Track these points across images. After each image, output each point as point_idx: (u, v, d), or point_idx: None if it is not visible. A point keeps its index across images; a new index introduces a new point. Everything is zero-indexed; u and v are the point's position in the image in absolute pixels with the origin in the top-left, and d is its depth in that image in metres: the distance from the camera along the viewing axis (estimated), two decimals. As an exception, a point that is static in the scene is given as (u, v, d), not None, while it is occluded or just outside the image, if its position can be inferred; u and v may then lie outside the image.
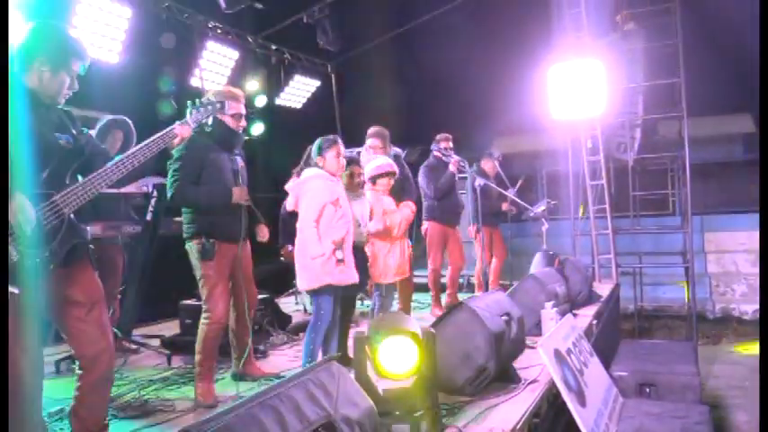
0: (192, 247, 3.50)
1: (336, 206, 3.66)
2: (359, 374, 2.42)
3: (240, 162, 3.67)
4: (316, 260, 3.58)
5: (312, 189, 3.68)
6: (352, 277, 3.74)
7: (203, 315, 3.52)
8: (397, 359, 2.39)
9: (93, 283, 2.56)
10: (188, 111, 3.04)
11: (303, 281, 3.69)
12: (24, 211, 2.20)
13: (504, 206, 6.38)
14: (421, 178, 5.81)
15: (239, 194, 3.51)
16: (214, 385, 3.55)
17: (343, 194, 3.81)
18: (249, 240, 3.74)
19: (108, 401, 2.71)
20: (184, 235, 3.55)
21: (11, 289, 2.17)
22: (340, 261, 3.59)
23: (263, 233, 3.84)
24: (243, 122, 3.64)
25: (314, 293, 3.70)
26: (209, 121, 3.26)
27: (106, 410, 2.67)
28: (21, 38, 2.41)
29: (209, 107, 3.08)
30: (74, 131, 2.52)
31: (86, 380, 2.50)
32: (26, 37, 2.42)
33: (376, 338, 2.38)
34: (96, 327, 2.49)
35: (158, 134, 2.66)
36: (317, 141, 3.83)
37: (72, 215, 2.38)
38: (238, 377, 3.80)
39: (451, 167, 5.63)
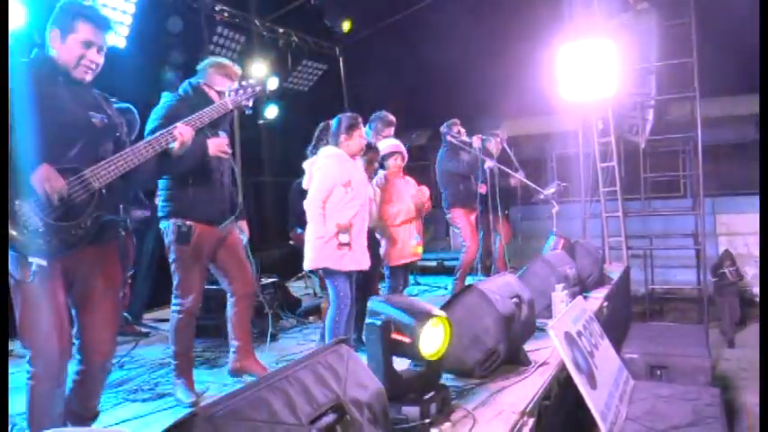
0: (167, 227, 3.20)
1: (347, 188, 3.55)
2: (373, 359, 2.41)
3: (225, 138, 3.29)
4: (317, 241, 3.51)
5: (323, 168, 3.59)
6: (359, 263, 3.63)
7: (173, 303, 3.27)
8: (430, 342, 2.48)
9: (115, 270, 2.52)
10: (226, 92, 2.94)
11: (306, 259, 3.62)
12: (51, 180, 2.13)
13: (513, 181, 6.32)
14: (446, 162, 5.84)
15: (216, 145, 3.10)
16: (193, 379, 3.33)
17: (359, 177, 3.70)
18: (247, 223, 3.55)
19: (102, 390, 2.65)
20: (159, 214, 3.27)
21: (38, 260, 2.12)
22: (344, 245, 3.47)
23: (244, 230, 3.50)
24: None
25: (327, 276, 3.62)
26: (250, 103, 3.06)
27: (99, 398, 2.62)
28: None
29: (249, 89, 2.95)
30: (108, 112, 2.48)
31: (83, 368, 2.45)
32: (52, 15, 2.41)
33: (418, 325, 2.41)
34: (104, 316, 2.45)
35: (157, 134, 2.58)
36: (344, 120, 3.67)
37: (104, 191, 2.32)
38: (235, 374, 3.49)
39: (475, 143, 5.62)
